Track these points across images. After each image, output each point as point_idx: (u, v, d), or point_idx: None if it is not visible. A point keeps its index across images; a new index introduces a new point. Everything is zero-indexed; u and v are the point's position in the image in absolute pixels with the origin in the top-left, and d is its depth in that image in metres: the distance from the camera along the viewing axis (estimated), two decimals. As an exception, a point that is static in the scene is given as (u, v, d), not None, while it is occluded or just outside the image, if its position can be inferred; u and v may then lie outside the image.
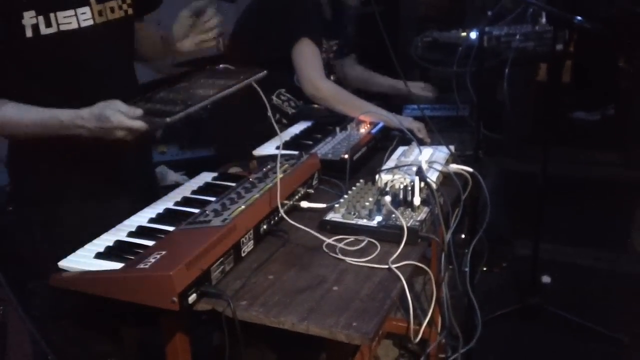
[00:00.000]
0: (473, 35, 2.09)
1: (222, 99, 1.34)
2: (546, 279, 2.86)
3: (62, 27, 1.36)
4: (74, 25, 1.38)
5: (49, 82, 1.40)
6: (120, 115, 1.26)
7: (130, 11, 1.53)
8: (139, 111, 1.27)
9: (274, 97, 2.20)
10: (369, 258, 1.27)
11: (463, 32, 2.25)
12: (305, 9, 2.03)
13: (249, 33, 2.19)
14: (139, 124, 1.27)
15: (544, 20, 2.25)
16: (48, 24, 1.34)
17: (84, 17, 1.40)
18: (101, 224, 1.36)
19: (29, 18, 1.31)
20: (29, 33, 1.32)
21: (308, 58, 2.01)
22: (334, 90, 2.04)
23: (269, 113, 1.45)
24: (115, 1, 1.48)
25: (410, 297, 1.21)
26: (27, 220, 1.55)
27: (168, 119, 1.27)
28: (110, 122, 1.26)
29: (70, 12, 1.37)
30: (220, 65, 1.52)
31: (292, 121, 2.23)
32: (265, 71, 1.41)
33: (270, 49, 2.07)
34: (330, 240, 1.33)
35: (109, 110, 1.27)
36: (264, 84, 2.17)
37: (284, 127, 2.23)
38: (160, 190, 1.83)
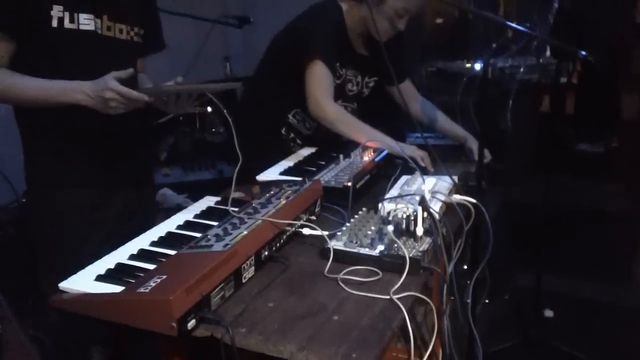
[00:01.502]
0: (477, 66, 2.11)
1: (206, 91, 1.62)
2: (549, 313, 2.82)
3: (82, 27, 1.58)
4: (91, 27, 1.60)
5: (62, 70, 1.56)
6: (116, 81, 1.45)
7: (136, 39, 1.72)
8: (130, 70, 1.50)
9: (290, 116, 2.22)
10: (370, 287, 1.26)
11: (467, 63, 2.27)
12: (322, 32, 2.04)
13: (275, 51, 2.22)
14: (134, 92, 1.45)
15: (548, 53, 2.27)
16: (71, 21, 1.56)
17: (98, 25, 1.62)
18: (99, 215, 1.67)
19: (57, 11, 1.53)
20: (54, 23, 1.54)
21: (316, 79, 2.02)
22: (338, 113, 2.05)
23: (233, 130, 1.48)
24: (125, 27, 1.67)
25: (412, 327, 1.19)
26: (35, 204, 1.71)
27: (166, 89, 1.49)
28: (106, 84, 1.45)
29: (90, 16, 1.59)
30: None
31: (306, 142, 2.24)
32: (239, 83, 1.58)
33: (290, 67, 2.09)
34: (331, 268, 1.32)
35: (106, 76, 1.47)
36: (282, 102, 2.20)
37: (298, 147, 2.24)
38: (155, 190, 2.04)
